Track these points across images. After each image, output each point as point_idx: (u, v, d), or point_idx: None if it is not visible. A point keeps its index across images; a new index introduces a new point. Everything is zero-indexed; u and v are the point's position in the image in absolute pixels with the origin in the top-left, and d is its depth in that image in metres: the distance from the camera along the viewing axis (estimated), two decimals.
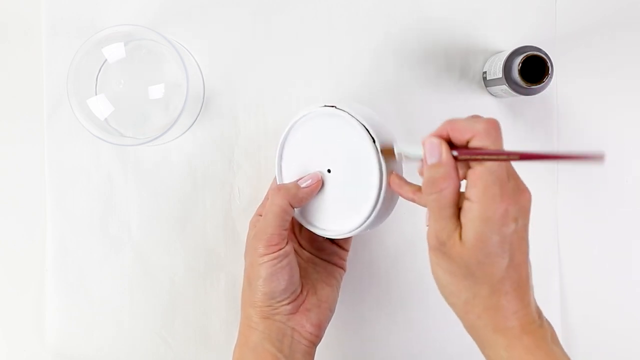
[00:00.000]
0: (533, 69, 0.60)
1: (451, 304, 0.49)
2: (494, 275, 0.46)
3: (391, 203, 0.57)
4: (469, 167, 0.47)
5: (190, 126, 0.68)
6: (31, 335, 0.69)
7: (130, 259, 0.69)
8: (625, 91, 0.67)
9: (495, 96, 0.67)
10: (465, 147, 0.46)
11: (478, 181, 0.45)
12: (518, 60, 0.59)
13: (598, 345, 0.68)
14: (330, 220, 0.58)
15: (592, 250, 0.68)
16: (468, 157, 0.46)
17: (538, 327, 0.47)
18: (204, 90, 0.68)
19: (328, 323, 0.60)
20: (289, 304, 0.57)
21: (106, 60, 0.63)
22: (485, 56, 0.67)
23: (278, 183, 0.61)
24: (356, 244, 0.67)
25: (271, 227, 0.56)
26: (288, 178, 0.60)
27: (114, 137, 0.63)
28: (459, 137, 0.46)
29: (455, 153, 0.46)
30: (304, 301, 0.59)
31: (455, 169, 0.47)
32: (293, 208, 0.57)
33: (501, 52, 0.65)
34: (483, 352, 0.49)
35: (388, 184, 0.55)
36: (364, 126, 0.55)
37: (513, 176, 0.47)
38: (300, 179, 0.58)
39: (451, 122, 0.47)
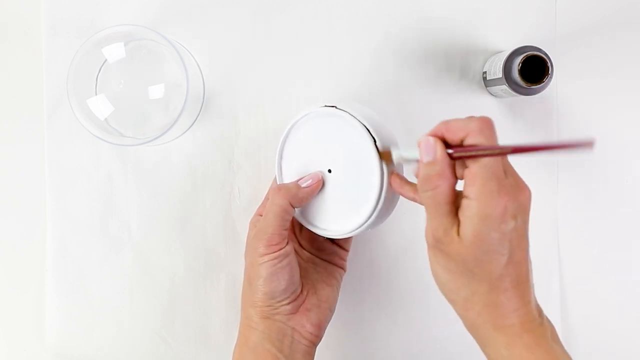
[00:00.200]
0: (533, 69, 0.60)
1: (451, 301, 0.49)
2: (493, 272, 0.46)
3: (392, 203, 0.57)
4: (466, 167, 0.47)
5: (190, 126, 0.68)
6: (31, 335, 0.69)
7: (130, 259, 0.69)
8: (625, 91, 0.67)
9: (495, 96, 0.67)
10: (460, 145, 0.47)
11: (475, 179, 0.45)
12: (518, 60, 0.59)
13: (598, 345, 0.68)
14: (331, 220, 0.58)
15: (592, 250, 0.68)
16: (462, 153, 0.46)
17: (538, 325, 0.47)
18: (204, 90, 0.68)
19: (328, 323, 0.60)
20: (289, 304, 0.57)
21: (106, 60, 0.63)
22: (485, 56, 0.67)
23: (278, 183, 0.61)
24: (356, 244, 0.67)
25: (271, 226, 0.56)
26: (288, 178, 0.60)
27: (114, 137, 0.63)
28: (453, 137, 0.47)
29: (450, 151, 0.47)
30: (304, 301, 0.59)
31: (449, 166, 0.47)
32: (293, 208, 0.57)
33: (501, 52, 0.65)
34: (483, 351, 0.49)
35: (389, 183, 0.55)
36: (365, 126, 0.55)
37: (511, 173, 0.47)
38: (300, 179, 0.58)
39: (445, 122, 0.47)
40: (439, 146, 0.47)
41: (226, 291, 0.69)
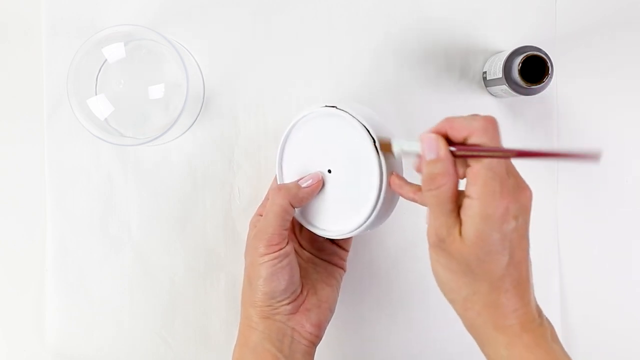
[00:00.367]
0: (533, 69, 0.60)
1: (451, 301, 0.49)
2: (494, 272, 0.46)
3: (391, 204, 0.57)
4: (468, 166, 0.47)
5: (190, 126, 0.68)
6: (31, 335, 0.69)
7: (130, 259, 0.69)
8: (625, 91, 0.67)
9: (495, 96, 0.67)
10: (463, 143, 0.46)
11: (477, 178, 0.45)
12: (518, 60, 0.59)
13: (598, 345, 0.68)
14: (331, 220, 0.58)
15: (592, 250, 0.68)
16: (465, 152, 0.46)
17: (538, 326, 0.47)
18: (204, 90, 0.68)
19: (328, 323, 0.60)
20: (289, 304, 0.57)
21: (106, 60, 0.63)
22: (485, 56, 0.67)
23: (279, 183, 0.61)
24: (356, 244, 0.67)
25: (272, 226, 0.56)
26: (289, 178, 0.60)
27: (114, 137, 0.63)
28: (456, 135, 0.47)
29: (452, 149, 0.47)
30: (304, 301, 0.59)
31: (453, 164, 0.47)
32: (294, 208, 0.57)
33: (501, 52, 0.65)
34: (483, 350, 0.49)
35: (388, 184, 0.55)
36: (365, 126, 0.55)
37: (513, 174, 0.47)
38: (300, 179, 0.58)
39: (449, 119, 0.47)
40: (442, 144, 0.47)
41: (226, 291, 0.69)
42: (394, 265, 0.68)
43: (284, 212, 0.56)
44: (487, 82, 0.66)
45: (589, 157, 0.42)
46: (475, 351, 0.49)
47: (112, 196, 0.69)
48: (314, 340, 0.58)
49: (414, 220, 0.66)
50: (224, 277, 0.69)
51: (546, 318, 0.48)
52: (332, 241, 0.63)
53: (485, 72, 0.66)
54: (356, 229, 0.57)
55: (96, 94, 0.63)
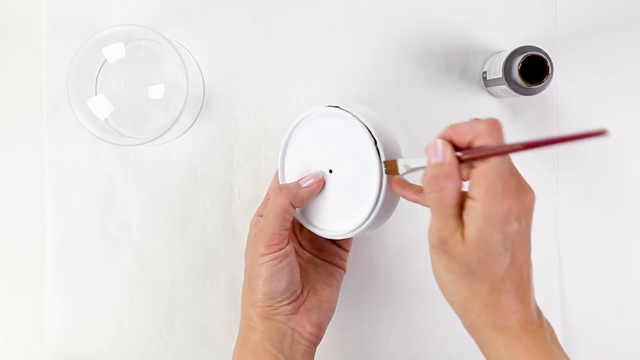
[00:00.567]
0: (533, 69, 0.60)
1: (451, 302, 0.49)
2: (495, 274, 0.46)
3: (392, 204, 0.57)
4: (472, 168, 0.47)
5: (190, 126, 0.68)
6: (31, 335, 0.69)
7: (130, 259, 0.69)
8: (625, 91, 0.67)
9: (495, 96, 0.67)
10: (468, 147, 0.46)
11: (481, 180, 0.45)
12: (518, 60, 0.59)
13: (598, 345, 0.68)
14: (331, 220, 0.58)
15: (592, 250, 0.68)
16: (472, 155, 0.46)
17: (538, 327, 0.47)
18: (204, 90, 0.68)
19: (328, 323, 0.60)
20: (289, 304, 0.57)
21: (106, 60, 0.63)
22: (485, 56, 0.67)
23: (280, 182, 0.61)
24: (357, 244, 0.67)
25: (272, 226, 0.56)
26: (290, 178, 0.60)
27: (114, 137, 0.63)
28: (461, 140, 0.47)
29: (459, 154, 0.47)
30: (304, 301, 0.59)
31: (457, 168, 0.47)
32: (294, 208, 0.57)
33: (501, 52, 0.65)
34: (482, 351, 0.49)
35: (390, 185, 0.55)
36: (366, 127, 0.55)
37: (516, 176, 0.47)
38: (301, 179, 0.58)
39: (453, 126, 0.47)
40: (448, 148, 0.47)
41: (226, 291, 0.69)
42: (394, 266, 0.68)
43: (285, 212, 0.56)
44: (487, 82, 0.66)
45: (595, 134, 0.41)
46: (475, 351, 0.49)
47: (112, 196, 0.69)
48: (314, 341, 0.58)
49: (415, 220, 0.67)
50: (224, 277, 0.69)
51: (546, 320, 0.48)
52: (333, 241, 0.63)
53: (485, 72, 0.66)
54: (356, 229, 0.56)
55: (96, 94, 0.63)
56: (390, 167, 0.54)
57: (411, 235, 0.68)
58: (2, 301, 0.70)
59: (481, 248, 0.45)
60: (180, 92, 0.61)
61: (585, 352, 0.68)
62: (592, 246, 0.68)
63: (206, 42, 0.68)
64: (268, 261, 0.56)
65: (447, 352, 0.68)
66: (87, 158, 0.68)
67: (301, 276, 0.59)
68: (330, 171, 0.58)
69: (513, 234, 0.45)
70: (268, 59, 0.68)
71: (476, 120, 0.47)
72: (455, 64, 0.67)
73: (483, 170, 0.45)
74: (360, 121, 0.55)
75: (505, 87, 0.61)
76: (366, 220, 0.56)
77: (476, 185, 0.45)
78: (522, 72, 0.59)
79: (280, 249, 0.56)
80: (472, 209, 0.45)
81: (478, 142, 0.46)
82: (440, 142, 0.47)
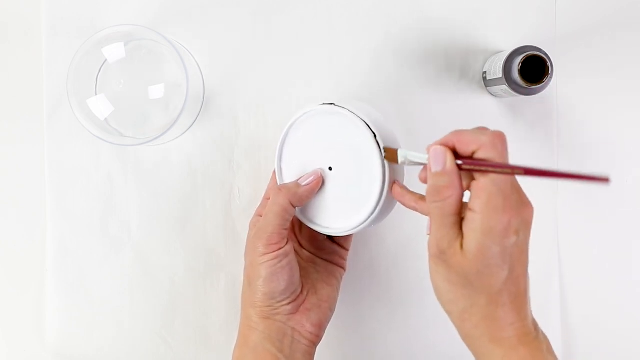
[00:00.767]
0: (533, 69, 0.60)
1: (448, 312, 0.49)
2: (493, 286, 0.46)
3: (393, 199, 0.57)
4: (473, 179, 0.47)
5: (190, 126, 0.68)
6: (31, 335, 0.69)
7: (130, 259, 0.69)
8: (625, 91, 0.67)
9: (495, 96, 0.67)
10: (470, 157, 0.46)
11: (481, 193, 0.45)
12: (518, 60, 0.59)
13: (598, 345, 0.68)
14: (333, 217, 0.58)
15: (592, 250, 0.68)
16: (472, 167, 0.46)
17: (534, 339, 0.47)
18: (204, 90, 0.68)
19: (328, 323, 0.60)
20: (289, 304, 0.57)
21: (106, 60, 0.63)
22: (485, 56, 0.67)
23: (278, 183, 0.61)
24: (356, 243, 0.67)
25: (272, 225, 0.56)
26: (289, 177, 0.60)
27: (114, 137, 0.63)
28: (464, 149, 0.47)
29: (459, 162, 0.47)
30: (304, 301, 0.59)
31: (459, 177, 0.47)
32: (294, 207, 0.57)
33: (501, 52, 0.65)
34: None
35: (390, 189, 0.55)
36: (364, 121, 0.55)
37: (517, 189, 0.46)
38: (300, 178, 0.58)
39: (457, 133, 0.47)
40: (449, 157, 0.47)
41: (226, 291, 0.69)
42: (394, 264, 0.68)
43: (284, 212, 0.56)
44: (487, 82, 0.66)
45: (597, 180, 0.42)
46: None
47: (112, 196, 0.69)
48: (315, 340, 0.58)
49: (415, 218, 0.66)
50: (224, 277, 0.69)
51: (542, 332, 0.48)
52: (333, 240, 0.63)
53: (485, 72, 0.66)
54: (359, 225, 0.56)
55: (96, 94, 0.63)
56: (389, 155, 0.54)
57: (411, 234, 0.68)
58: (2, 301, 0.70)
59: (480, 260, 0.45)
60: (180, 92, 0.61)
61: (585, 352, 0.68)
62: (592, 246, 0.68)
63: (206, 42, 0.68)
64: (267, 261, 0.56)
65: (447, 352, 0.68)
66: (87, 158, 0.68)
67: (301, 276, 0.59)
68: (330, 168, 0.58)
69: (511, 247, 0.45)
70: (268, 59, 0.68)
71: (481, 130, 0.47)
72: (455, 64, 0.67)
73: (484, 183, 0.45)
74: (358, 116, 0.55)
75: (505, 87, 0.61)
76: (370, 215, 0.56)
77: (476, 197, 0.45)
78: (522, 72, 0.59)
79: (280, 249, 0.56)
80: (472, 221, 0.45)
81: (480, 154, 0.46)
82: (441, 150, 0.47)
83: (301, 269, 0.60)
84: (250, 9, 0.68)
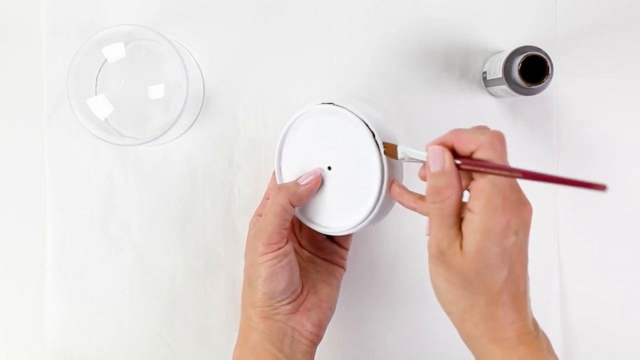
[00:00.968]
0: (533, 69, 0.60)
1: (448, 312, 0.49)
2: (493, 286, 0.46)
3: (393, 198, 0.57)
4: (472, 179, 0.47)
5: (190, 126, 0.68)
6: (31, 335, 0.69)
7: (130, 259, 0.69)
8: (625, 91, 0.67)
9: (495, 96, 0.67)
10: (468, 157, 0.46)
11: (480, 193, 0.45)
12: (518, 60, 0.59)
13: (598, 345, 0.68)
14: (332, 217, 0.58)
15: (592, 250, 0.68)
16: (471, 167, 0.46)
17: (534, 338, 0.47)
18: (204, 90, 0.68)
19: (328, 322, 0.60)
20: (289, 303, 0.57)
21: (106, 60, 0.63)
22: (485, 56, 0.67)
23: (278, 183, 0.61)
24: (356, 243, 0.67)
25: (271, 225, 0.56)
26: (288, 177, 0.60)
27: (114, 137, 0.63)
28: (463, 148, 0.47)
29: (458, 162, 0.47)
30: (304, 301, 0.59)
31: (458, 178, 0.47)
32: (294, 207, 0.57)
33: (501, 52, 0.65)
34: None
35: (388, 189, 0.55)
36: (363, 121, 0.55)
37: (516, 189, 0.47)
38: (299, 177, 0.58)
39: (456, 132, 0.47)
40: (448, 157, 0.47)
41: (226, 291, 0.69)
42: (394, 264, 0.68)
43: (284, 212, 0.56)
44: (487, 82, 0.66)
45: (595, 187, 0.42)
46: None
47: (112, 196, 0.69)
48: (315, 340, 0.58)
49: (414, 217, 0.66)
50: (224, 277, 0.69)
51: (542, 331, 0.48)
52: (332, 240, 0.63)
53: (485, 72, 0.66)
54: (359, 224, 0.56)
55: (96, 94, 0.63)
56: (389, 150, 0.54)
57: (411, 233, 0.68)
58: (2, 301, 0.70)
59: (479, 261, 0.45)
60: (180, 92, 0.61)
61: (585, 352, 0.68)
62: (592, 246, 0.68)
63: (206, 42, 0.68)
64: (267, 261, 0.56)
65: (447, 351, 0.68)
66: (87, 158, 0.68)
67: (301, 275, 0.59)
68: (329, 168, 0.58)
69: (511, 247, 0.46)
70: (268, 59, 0.68)
71: (480, 130, 0.47)
72: (455, 64, 0.67)
73: (483, 184, 0.45)
74: (357, 115, 0.55)
75: (505, 87, 0.61)
76: (370, 213, 0.56)
77: (475, 198, 0.45)
78: (522, 72, 0.59)
79: (280, 248, 0.56)
80: (471, 221, 0.45)
81: (479, 154, 0.46)
82: (439, 150, 0.47)
83: (301, 268, 0.60)
84: (250, 9, 0.68)
